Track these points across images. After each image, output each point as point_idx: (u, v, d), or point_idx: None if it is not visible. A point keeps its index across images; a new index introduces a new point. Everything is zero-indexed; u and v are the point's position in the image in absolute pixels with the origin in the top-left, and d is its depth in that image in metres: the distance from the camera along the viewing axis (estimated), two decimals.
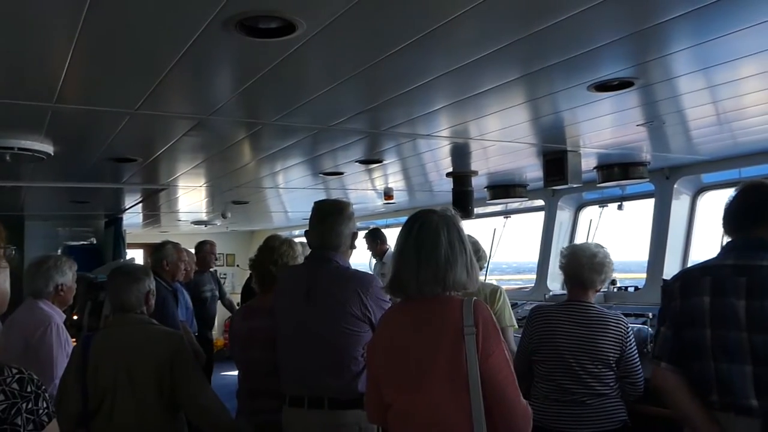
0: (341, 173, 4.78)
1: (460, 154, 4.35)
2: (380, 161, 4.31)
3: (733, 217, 2.28)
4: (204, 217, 8.61)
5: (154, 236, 10.82)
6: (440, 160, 4.59)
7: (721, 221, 2.34)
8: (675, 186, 5.08)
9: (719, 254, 2.30)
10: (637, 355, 2.93)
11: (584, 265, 2.99)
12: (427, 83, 2.53)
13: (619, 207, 5.84)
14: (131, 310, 2.74)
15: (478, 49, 2.16)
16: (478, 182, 5.67)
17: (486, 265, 3.76)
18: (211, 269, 6.98)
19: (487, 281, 4.80)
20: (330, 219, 2.64)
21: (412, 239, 1.98)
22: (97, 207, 6.95)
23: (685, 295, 2.24)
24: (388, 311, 2.18)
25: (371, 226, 9.01)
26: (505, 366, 1.89)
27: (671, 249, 5.08)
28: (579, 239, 6.25)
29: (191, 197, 6.51)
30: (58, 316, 3.45)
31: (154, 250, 4.65)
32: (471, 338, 1.84)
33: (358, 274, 2.60)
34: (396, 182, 5.76)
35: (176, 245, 4.81)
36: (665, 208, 5.11)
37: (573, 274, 3.02)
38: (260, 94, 2.65)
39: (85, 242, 7.47)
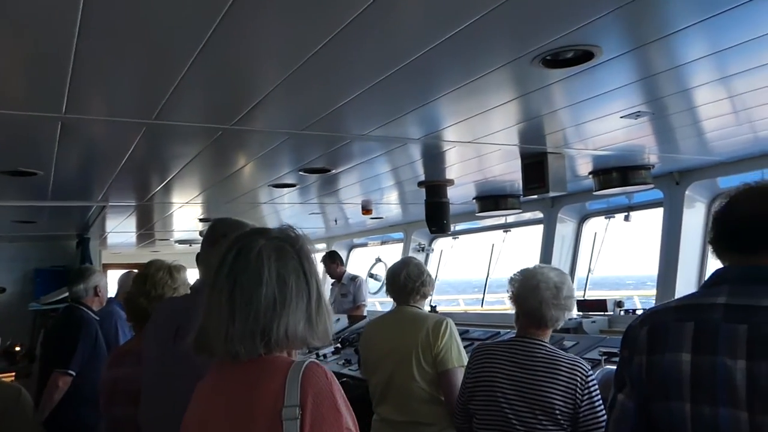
0: (294, 185, 4.18)
1: (429, 157, 3.74)
2: (328, 170, 3.70)
3: (726, 234, 1.52)
4: (195, 236, 8.14)
5: (147, 256, 10.41)
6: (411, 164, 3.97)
7: (709, 236, 1.59)
8: (687, 192, 4.37)
9: (704, 287, 1.54)
10: (601, 413, 2.20)
11: (547, 302, 2.30)
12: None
13: (626, 218, 5.14)
14: None
15: None
16: (467, 192, 5.07)
17: (432, 293, 3.12)
18: None
19: (438, 311, 4.19)
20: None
21: (223, 275, 1.35)
22: (67, 227, 6.51)
23: (654, 348, 1.49)
24: (203, 379, 1.52)
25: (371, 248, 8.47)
26: None
27: (684, 264, 4.36)
28: (583, 254, 5.56)
29: (180, 215, 6.05)
30: None
31: (77, 277, 4.07)
32: (292, 425, 1.21)
33: None
34: (375, 194, 5.16)
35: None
36: (676, 218, 4.39)
37: (530, 310, 2.33)
38: None
39: (56, 265, 7.03)
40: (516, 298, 2.38)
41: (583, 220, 5.59)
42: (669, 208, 4.47)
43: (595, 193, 4.27)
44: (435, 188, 4.30)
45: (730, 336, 1.37)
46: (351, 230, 8.24)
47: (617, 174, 4.07)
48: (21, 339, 5.86)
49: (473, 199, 5.27)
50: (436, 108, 2.54)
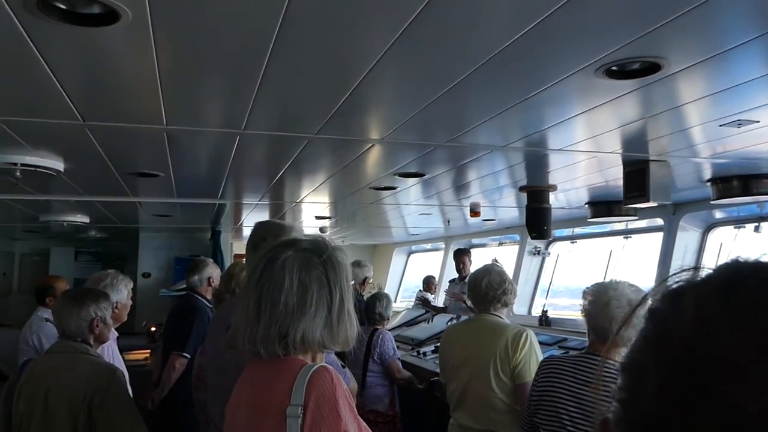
0: (394, 188, 4.29)
1: (529, 163, 3.68)
2: (422, 174, 3.76)
3: None
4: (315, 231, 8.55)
5: None
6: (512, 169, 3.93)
7: None
8: None
9: None
10: None
11: (617, 320, 2.19)
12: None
13: (756, 229, 4.70)
14: (71, 337, 2.53)
15: None
16: (580, 197, 4.92)
17: (514, 301, 3.08)
18: None
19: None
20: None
21: (254, 282, 1.49)
22: (201, 221, 7.10)
23: None
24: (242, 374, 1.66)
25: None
26: None
27: None
28: (708, 265, 5.14)
29: (298, 212, 6.42)
30: (110, 334, 3.47)
31: (193, 268, 4.47)
32: (294, 422, 1.31)
33: None
34: (489, 196, 5.12)
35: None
36: None
37: (599, 327, 2.24)
38: None
39: (193, 254, 7.70)
40: (587, 314, 2.31)
41: (708, 229, 5.19)
42: None
43: (712, 202, 3.98)
44: (536, 194, 4.21)
45: None
46: (469, 230, 8.25)
47: (738, 182, 3.77)
48: (161, 320, 6.51)
49: (586, 204, 5.09)
50: (531, 111, 2.49)
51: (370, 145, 2.96)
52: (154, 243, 7.74)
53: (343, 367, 2.00)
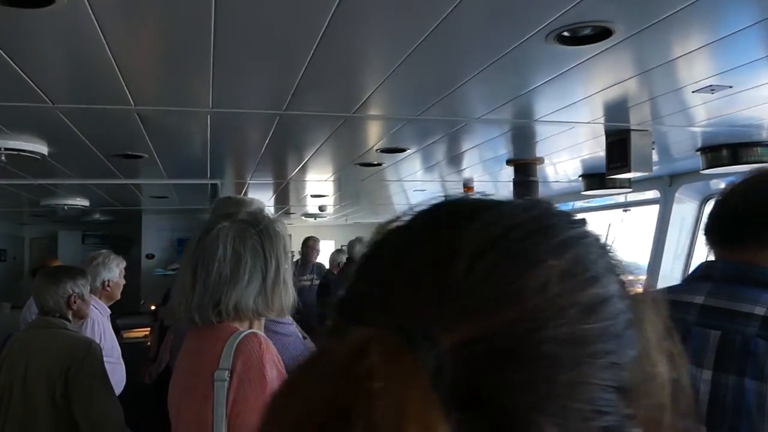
0: (380, 164, 4.28)
1: (519, 135, 3.64)
2: (404, 150, 3.75)
3: (716, 225, 1.43)
4: (315, 210, 8.60)
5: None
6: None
7: (703, 228, 1.51)
8: None
9: (687, 281, 1.47)
10: None
11: None
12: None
13: None
14: (49, 313, 2.60)
15: None
16: (575, 169, 4.88)
17: None
18: (314, 263, 7.51)
19: None
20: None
21: (190, 252, 1.52)
22: (198, 201, 7.15)
23: None
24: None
25: None
26: None
27: None
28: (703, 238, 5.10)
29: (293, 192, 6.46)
30: (102, 310, 3.63)
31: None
32: (221, 386, 1.35)
33: None
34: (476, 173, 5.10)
35: None
36: None
37: None
38: None
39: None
40: None
41: (705, 200, 5.13)
42: None
43: (702, 172, 3.94)
44: (522, 167, 4.19)
45: (701, 342, 1.28)
46: None
47: (727, 151, 3.72)
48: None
49: (579, 177, 5.05)
50: (496, 81, 2.45)
51: (342, 120, 2.95)
52: (156, 224, 7.85)
53: (305, 338, 2.03)
